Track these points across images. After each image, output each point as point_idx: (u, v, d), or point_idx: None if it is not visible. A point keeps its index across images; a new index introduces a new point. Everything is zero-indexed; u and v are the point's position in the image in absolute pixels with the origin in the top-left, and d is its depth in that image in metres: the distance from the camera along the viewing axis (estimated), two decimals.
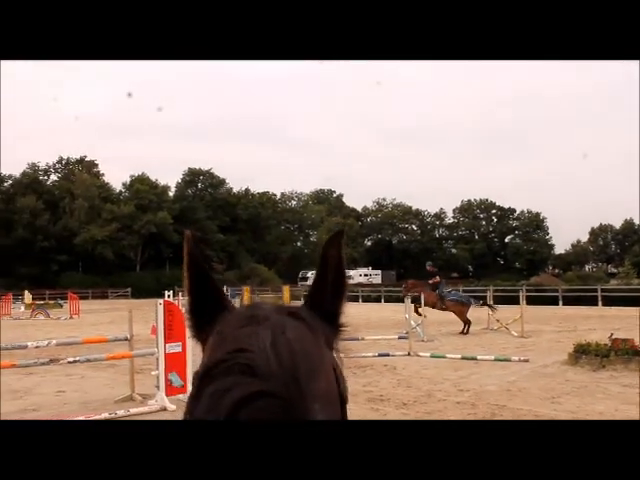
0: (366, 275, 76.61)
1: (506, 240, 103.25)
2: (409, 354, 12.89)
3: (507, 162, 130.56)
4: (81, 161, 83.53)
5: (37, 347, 8.50)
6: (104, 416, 7.37)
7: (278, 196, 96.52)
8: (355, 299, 45.30)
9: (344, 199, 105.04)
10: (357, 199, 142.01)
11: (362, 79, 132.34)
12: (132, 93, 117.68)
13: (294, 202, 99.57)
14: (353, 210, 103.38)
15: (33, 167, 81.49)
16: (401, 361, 12.31)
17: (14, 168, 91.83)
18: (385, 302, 43.69)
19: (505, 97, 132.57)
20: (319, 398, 0.70)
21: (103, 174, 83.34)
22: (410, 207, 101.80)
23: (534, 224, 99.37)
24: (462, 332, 18.50)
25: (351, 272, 76.93)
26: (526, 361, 11.92)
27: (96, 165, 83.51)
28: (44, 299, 42.81)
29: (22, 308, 35.40)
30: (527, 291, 33.75)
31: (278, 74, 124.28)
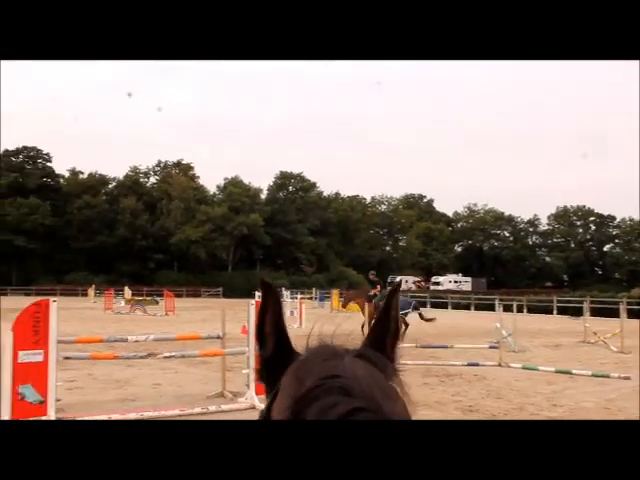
0: (456, 282, 75.14)
1: (605, 249, 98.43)
2: (500, 365, 12.53)
3: (605, 167, 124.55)
4: (178, 164, 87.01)
5: (136, 341, 8.94)
6: (197, 410, 7.64)
7: (368, 200, 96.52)
8: (444, 306, 44.53)
9: (434, 204, 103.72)
10: (447, 204, 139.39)
11: (445, 79, 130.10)
12: (223, 95, 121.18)
13: (384, 206, 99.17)
14: (443, 215, 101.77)
15: (135, 170, 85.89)
16: (491, 371, 12.00)
17: (118, 170, 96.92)
18: (475, 310, 42.67)
19: (602, 97, 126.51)
20: (401, 414, 0.83)
21: (198, 177, 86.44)
22: (502, 213, 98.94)
23: (636, 232, 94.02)
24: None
25: (440, 278, 75.67)
26: (627, 379, 11.27)
27: (192, 168, 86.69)
28: (142, 295, 44.83)
29: (122, 303, 37.25)
30: (628, 304, 32.00)
31: (363, 76, 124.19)
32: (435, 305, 44.71)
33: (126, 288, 42.45)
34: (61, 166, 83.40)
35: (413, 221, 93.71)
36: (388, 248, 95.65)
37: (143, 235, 76.19)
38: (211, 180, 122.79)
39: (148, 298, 41.23)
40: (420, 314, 20.42)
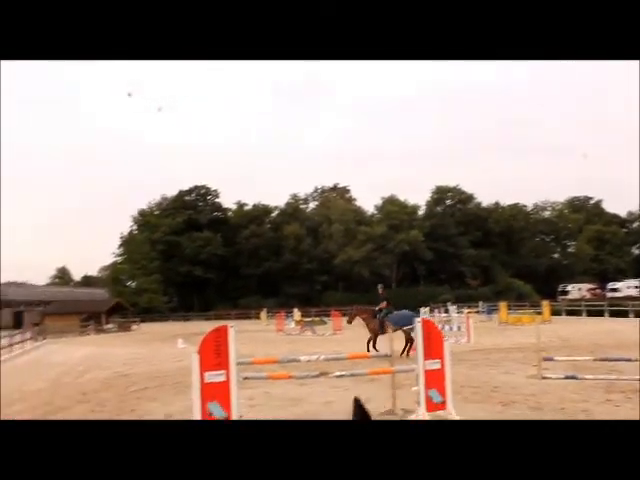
0: (636, 287, 68.86)
1: None
2: None
3: None
4: (334, 188, 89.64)
5: (308, 361, 9.29)
6: None
7: (530, 207, 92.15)
8: (624, 314, 41.07)
9: (603, 205, 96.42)
10: (617, 204, 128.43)
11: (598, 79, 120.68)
12: (368, 119, 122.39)
13: (547, 212, 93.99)
14: (615, 216, 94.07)
15: (294, 197, 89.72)
16: None
17: (279, 200, 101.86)
18: None
19: None
20: None
21: (355, 199, 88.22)
22: None
23: None
24: (402, 353, 17.01)
25: (618, 284, 69.93)
26: None
27: (348, 191, 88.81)
28: (310, 316, 46.31)
29: (292, 324, 38.77)
30: None
31: (513, 79, 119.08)
32: (614, 314, 41.45)
33: (295, 310, 44.13)
34: (228, 200, 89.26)
35: (581, 225, 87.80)
36: (556, 255, 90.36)
37: (308, 258, 79.03)
38: (368, 201, 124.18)
39: (316, 319, 42.45)
40: None
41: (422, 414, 8.13)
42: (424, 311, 31.62)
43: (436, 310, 36.85)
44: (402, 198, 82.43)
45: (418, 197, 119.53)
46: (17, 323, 62.97)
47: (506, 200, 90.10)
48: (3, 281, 78.46)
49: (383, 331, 18.38)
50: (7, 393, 13.30)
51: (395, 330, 18.73)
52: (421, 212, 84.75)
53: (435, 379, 8.25)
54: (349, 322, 19.72)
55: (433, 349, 8.31)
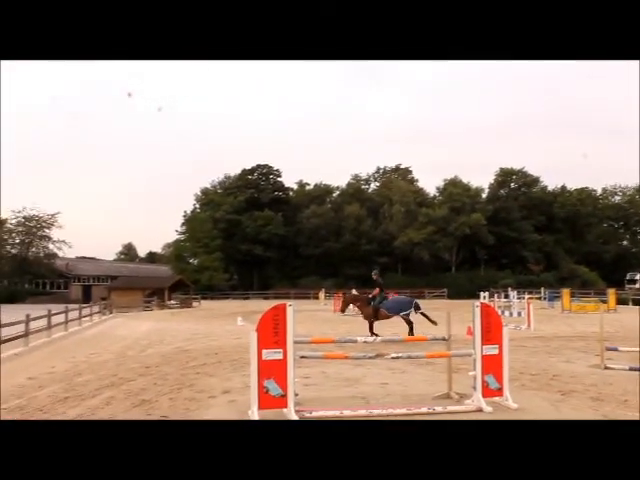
0: None
1: None
2: None
3: None
4: (396, 169, 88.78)
5: (365, 342, 9.33)
6: (423, 410, 7.76)
7: (599, 192, 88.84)
8: None
9: None
10: None
11: None
12: (431, 99, 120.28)
13: (617, 197, 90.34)
14: None
15: (356, 178, 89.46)
16: None
17: (340, 179, 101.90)
18: None
19: None
20: None
21: (417, 180, 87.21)
22: None
23: None
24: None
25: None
26: None
27: (410, 172, 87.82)
28: None
29: (350, 305, 38.82)
30: None
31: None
32: None
33: (353, 291, 44.11)
34: (289, 180, 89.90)
35: None
36: (625, 242, 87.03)
37: (367, 240, 78.86)
38: (429, 182, 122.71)
39: None
40: (423, 314, 18.74)
41: (478, 399, 8.07)
42: (483, 296, 31.14)
43: (496, 295, 36.22)
44: (465, 180, 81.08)
45: (481, 179, 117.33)
46: (86, 297, 65.65)
47: (573, 184, 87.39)
48: (73, 256, 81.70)
49: (377, 317, 18.51)
50: (77, 363, 13.92)
51: (390, 316, 18.69)
52: (484, 195, 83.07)
53: (492, 365, 8.16)
54: (342, 310, 19.63)
55: (492, 334, 8.21)
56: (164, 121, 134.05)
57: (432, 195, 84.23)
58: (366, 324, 18.91)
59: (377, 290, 18.73)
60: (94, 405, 8.77)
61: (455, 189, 77.93)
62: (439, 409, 7.86)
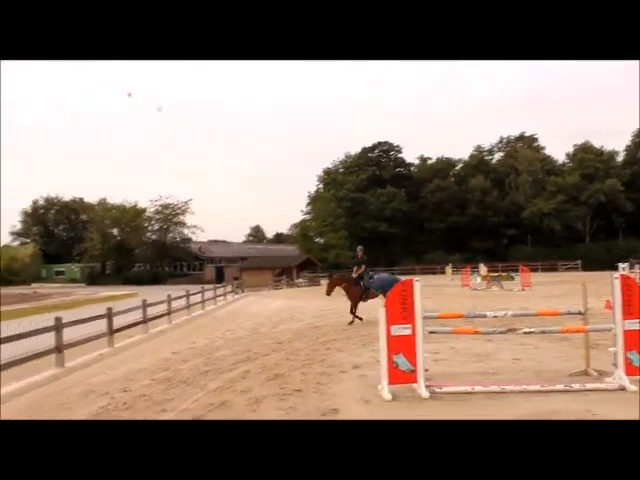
0: None
1: None
2: None
3: None
4: (521, 137, 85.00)
5: (495, 317, 9.13)
6: (559, 387, 7.50)
7: None
8: None
9: None
10: None
11: None
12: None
13: None
14: None
15: (478, 149, 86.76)
16: None
17: (463, 152, 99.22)
18: None
19: None
20: None
21: (544, 147, 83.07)
22: None
23: None
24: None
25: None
26: None
27: (536, 139, 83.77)
28: (497, 271, 45.09)
29: (478, 280, 38.09)
30: None
31: None
32: None
33: (481, 265, 43.16)
34: (410, 155, 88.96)
35: None
36: None
37: (494, 212, 76.53)
38: (557, 149, 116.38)
39: (503, 274, 41.24)
40: None
41: (620, 377, 7.66)
42: (622, 267, 29.29)
43: (637, 266, 33.90)
44: (597, 144, 76.11)
45: (615, 143, 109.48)
46: (219, 278, 69.14)
47: None
48: (206, 240, 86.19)
49: (366, 298, 17.12)
50: (214, 339, 14.77)
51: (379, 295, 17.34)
52: (619, 159, 77.55)
53: (635, 340, 7.70)
54: (327, 294, 17.56)
55: (634, 308, 7.74)
56: (291, 108, 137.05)
57: (561, 162, 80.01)
58: (496, 298, 18.41)
59: (363, 268, 17.48)
60: (231, 378, 9.29)
61: (586, 155, 73.49)
62: (576, 387, 7.55)
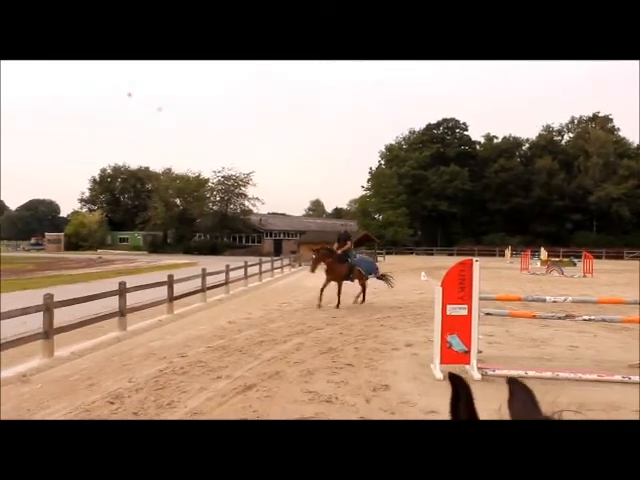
0: None
1: None
2: None
3: None
4: (594, 118, 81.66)
5: (554, 302, 8.98)
6: (617, 378, 7.35)
7: None
8: None
9: None
10: None
11: None
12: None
13: None
14: None
15: (547, 129, 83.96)
16: None
17: (530, 132, 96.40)
18: None
19: None
20: None
21: (618, 129, 79.63)
22: None
23: None
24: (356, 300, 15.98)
25: None
26: None
27: (610, 120, 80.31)
28: (558, 256, 43.98)
29: (537, 264, 37.26)
30: None
31: None
32: None
33: (542, 249, 42.18)
34: (476, 133, 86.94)
35: None
36: None
37: (559, 195, 74.27)
38: (634, 131, 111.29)
39: (565, 259, 40.22)
40: (383, 277, 16.72)
41: None
42: None
43: None
44: None
45: None
46: (277, 250, 69.91)
47: None
48: (266, 212, 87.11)
49: (352, 278, 15.82)
50: (270, 310, 15.05)
51: (366, 278, 16.18)
52: None
53: None
54: (312, 271, 15.96)
55: None
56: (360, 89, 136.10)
57: (636, 145, 76.66)
58: (556, 283, 17.97)
59: (348, 244, 16.03)
60: (285, 350, 9.49)
61: None
62: (635, 379, 7.37)
